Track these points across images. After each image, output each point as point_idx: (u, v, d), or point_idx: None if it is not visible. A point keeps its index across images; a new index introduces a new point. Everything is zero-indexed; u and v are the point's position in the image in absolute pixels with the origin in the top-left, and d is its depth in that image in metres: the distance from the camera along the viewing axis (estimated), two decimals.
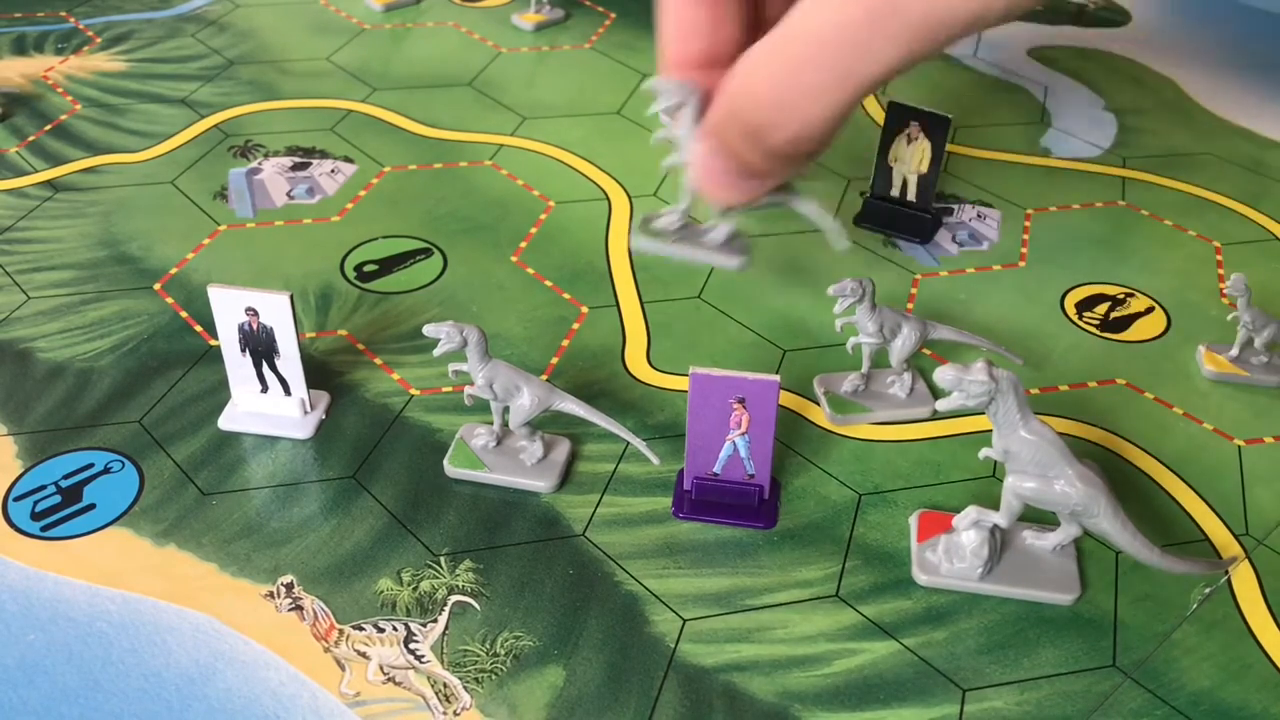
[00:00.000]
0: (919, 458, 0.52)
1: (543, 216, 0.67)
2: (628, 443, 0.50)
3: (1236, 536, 0.49)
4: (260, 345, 0.50)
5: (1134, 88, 0.86)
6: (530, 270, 0.63)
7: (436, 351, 0.48)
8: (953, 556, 0.46)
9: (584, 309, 0.60)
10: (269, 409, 0.52)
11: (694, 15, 0.40)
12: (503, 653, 0.43)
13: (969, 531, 0.45)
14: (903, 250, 0.66)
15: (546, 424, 0.51)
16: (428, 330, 0.48)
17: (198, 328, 0.58)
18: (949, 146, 0.75)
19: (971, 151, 0.76)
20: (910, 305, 0.62)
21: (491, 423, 0.50)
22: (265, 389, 0.52)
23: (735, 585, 0.46)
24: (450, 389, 0.55)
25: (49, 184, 0.69)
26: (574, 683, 0.42)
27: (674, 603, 0.45)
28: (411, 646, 0.43)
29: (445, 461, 0.50)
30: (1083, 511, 0.43)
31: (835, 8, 0.32)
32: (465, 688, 0.42)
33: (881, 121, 0.66)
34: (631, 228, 0.46)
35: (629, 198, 0.69)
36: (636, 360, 0.57)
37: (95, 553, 0.46)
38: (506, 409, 0.49)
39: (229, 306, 0.50)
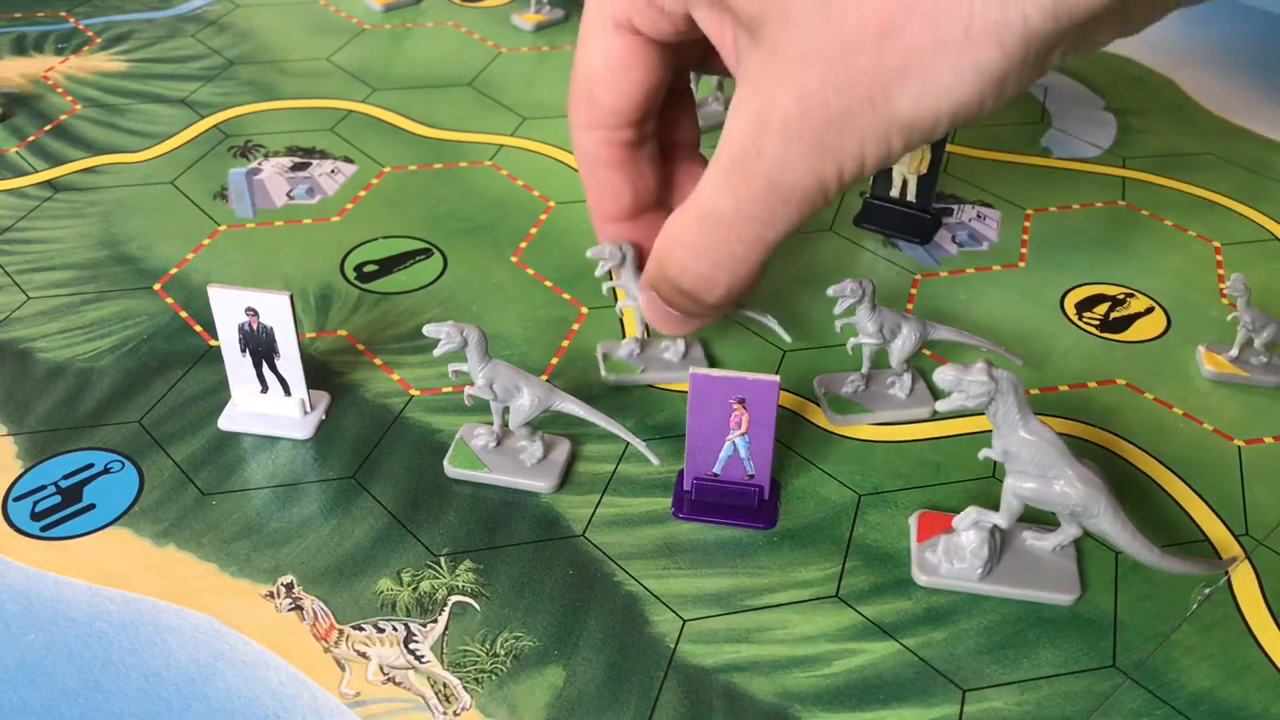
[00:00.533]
0: (919, 458, 0.52)
1: (543, 217, 0.67)
2: (628, 443, 0.50)
3: (1236, 537, 0.49)
4: (260, 345, 0.50)
5: (1134, 88, 0.86)
6: (530, 270, 0.63)
7: (436, 352, 0.48)
8: (952, 557, 0.46)
9: (584, 309, 0.60)
10: (269, 409, 0.52)
11: (612, 178, 0.46)
12: (503, 653, 0.43)
13: (969, 532, 0.45)
14: (903, 250, 0.66)
15: (546, 424, 0.51)
16: (428, 330, 0.48)
17: (198, 328, 0.58)
18: (949, 146, 0.75)
19: (971, 151, 0.76)
20: (910, 305, 0.62)
21: (491, 423, 0.50)
22: (265, 389, 0.52)
23: (735, 585, 0.46)
24: (450, 389, 0.55)
25: (49, 184, 0.69)
26: (574, 683, 0.42)
27: (674, 603, 0.45)
28: (411, 647, 0.43)
29: (445, 462, 0.50)
30: (1082, 512, 0.43)
31: (738, 188, 0.36)
32: (465, 688, 0.42)
33: None
34: (600, 363, 0.56)
35: None
36: None
37: (95, 553, 0.46)
38: (506, 409, 0.49)
39: (229, 306, 0.50)
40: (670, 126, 0.48)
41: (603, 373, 0.55)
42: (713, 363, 0.57)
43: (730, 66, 0.38)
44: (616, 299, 0.58)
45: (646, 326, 0.57)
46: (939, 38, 0.30)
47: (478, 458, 0.50)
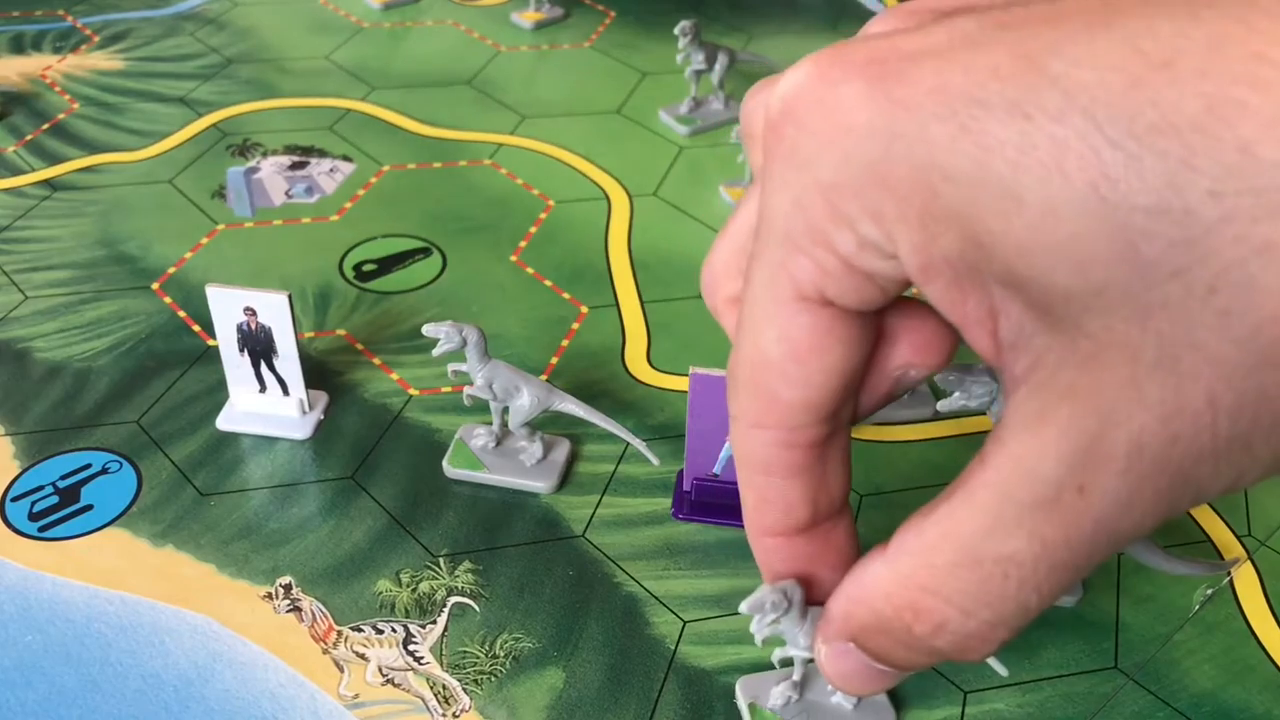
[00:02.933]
0: (920, 458, 0.52)
1: (542, 216, 0.67)
2: (627, 443, 0.50)
3: (1239, 537, 0.49)
4: (259, 345, 0.50)
5: None
6: (530, 270, 0.63)
7: (436, 351, 0.48)
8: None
9: (584, 309, 0.60)
10: (267, 409, 0.52)
11: (788, 489, 0.32)
12: (502, 654, 0.43)
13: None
14: None
15: (546, 424, 0.51)
16: (427, 330, 0.48)
17: (196, 327, 0.57)
18: None
19: None
20: None
21: (491, 423, 0.50)
22: (264, 389, 0.51)
23: (735, 586, 0.46)
24: (449, 389, 0.54)
25: (47, 183, 0.68)
26: (574, 684, 0.42)
27: (674, 604, 0.45)
28: (410, 648, 0.43)
29: (444, 462, 0.50)
30: None
31: (1045, 532, 0.25)
32: (464, 689, 0.41)
33: None
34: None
35: (629, 197, 0.69)
36: (636, 360, 0.57)
37: (93, 553, 0.46)
38: (506, 409, 0.49)
39: (227, 306, 0.49)
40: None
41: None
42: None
43: (984, 351, 0.26)
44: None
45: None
46: None
47: (477, 458, 0.50)
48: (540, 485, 0.49)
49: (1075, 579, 0.25)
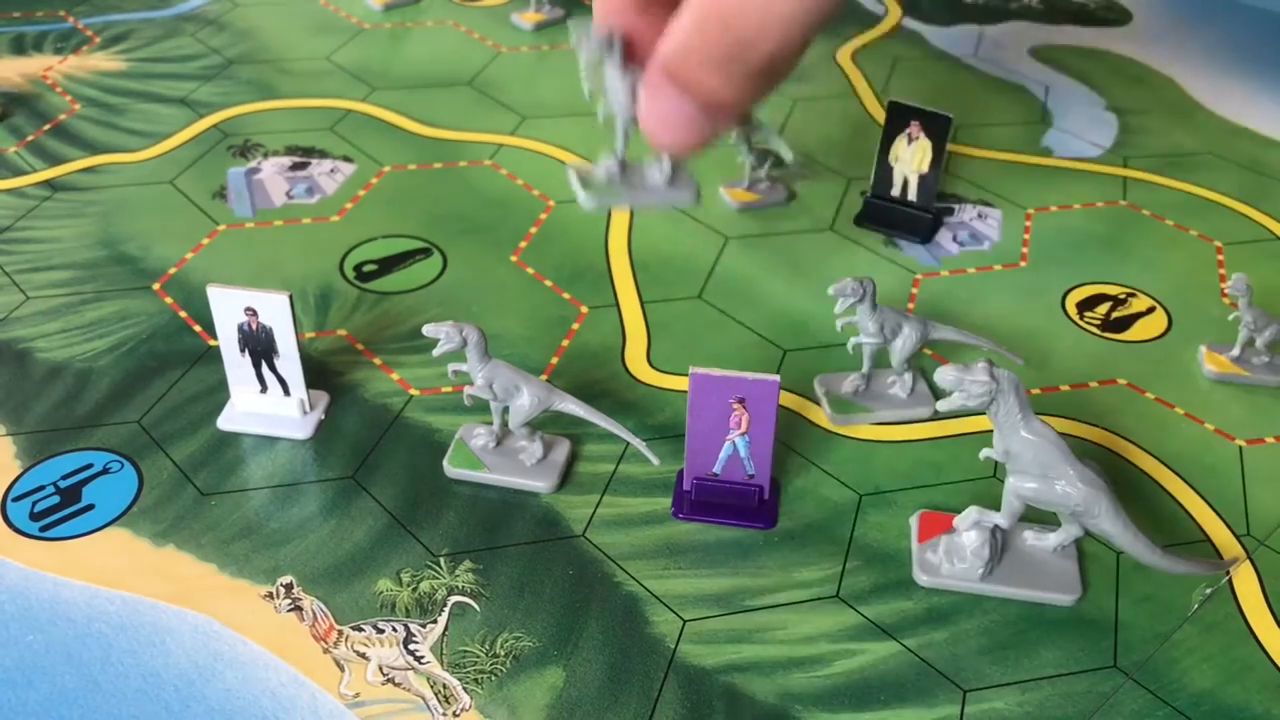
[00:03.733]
0: (919, 458, 0.52)
1: (543, 216, 0.67)
2: (628, 443, 0.50)
3: (1238, 537, 0.49)
4: (259, 345, 0.50)
5: (1134, 88, 0.86)
6: (530, 270, 0.63)
7: (436, 351, 0.48)
8: (953, 557, 0.46)
9: (584, 309, 0.60)
10: (268, 409, 0.52)
11: None
12: (502, 653, 0.43)
13: (970, 532, 0.45)
14: (903, 250, 0.66)
15: (546, 424, 0.51)
16: (427, 330, 0.48)
17: (197, 328, 0.58)
18: (950, 146, 0.75)
19: (972, 151, 0.76)
20: (911, 305, 0.61)
21: (491, 423, 0.50)
22: (264, 389, 0.52)
23: (735, 586, 0.46)
24: (450, 389, 0.54)
25: (48, 184, 0.69)
26: (574, 684, 0.42)
27: (674, 603, 0.45)
28: (411, 647, 0.43)
29: (445, 462, 0.50)
30: (1084, 512, 0.43)
31: None
32: (465, 688, 0.41)
33: (882, 121, 0.66)
34: (573, 186, 0.46)
35: None
36: (636, 360, 0.57)
37: (94, 553, 0.46)
38: (506, 409, 0.49)
39: (228, 306, 0.50)
40: None
41: (580, 196, 0.44)
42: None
43: None
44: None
45: (626, 141, 0.45)
46: None
47: (477, 458, 0.50)
48: (540, 485, 0.49)
49: None
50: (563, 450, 0.50)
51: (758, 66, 0.34)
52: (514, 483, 0.49)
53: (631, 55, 0.42)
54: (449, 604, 0.44)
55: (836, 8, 0.32)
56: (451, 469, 0.50)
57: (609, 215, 0.68)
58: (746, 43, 0.34)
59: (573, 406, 0.49)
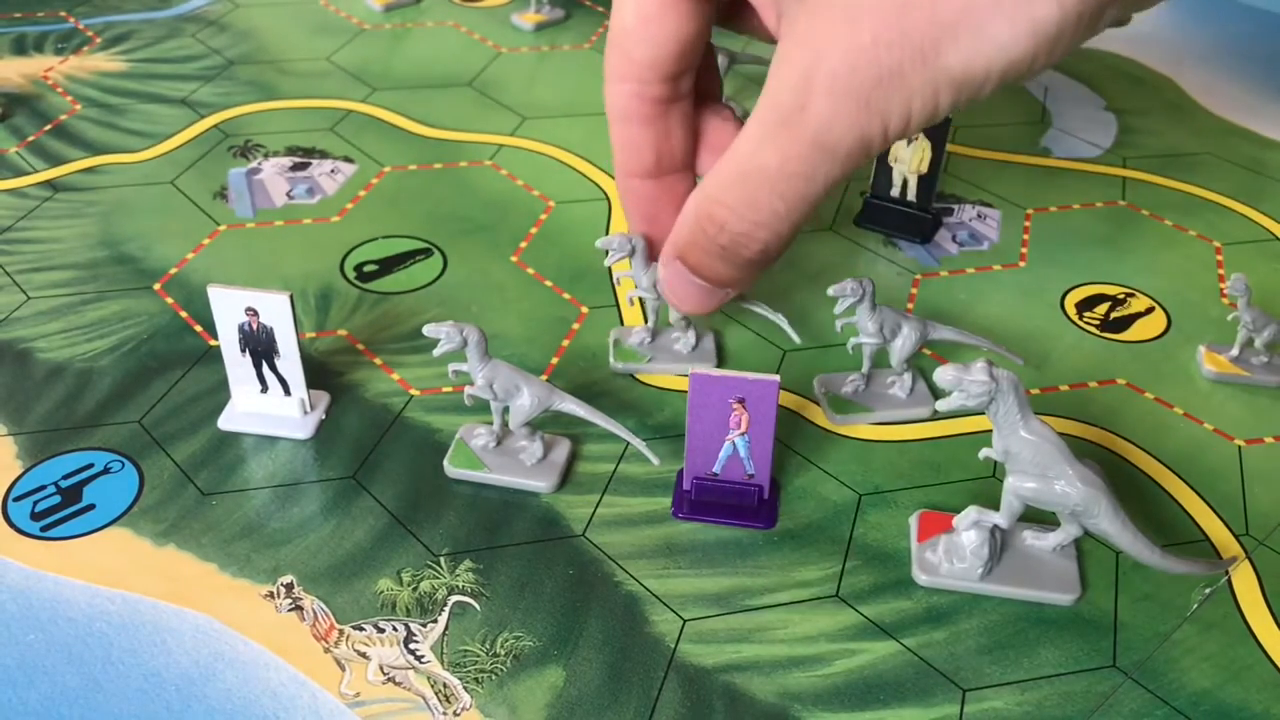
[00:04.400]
0: (919, 458, 0.52)
1: (543, 216, 0.67)
2: (628, 443, 0.50)
3: (1237, 537, 0.49)
4: (260, 345, 0.50)
5: (1134, 88, 0.86)
6: (530, 270, 0.63)
7: (436, 351, 0.48)
8: (953, 556, 0.46)
9: (584, 309, 0.60)
10: (269, 409, 0.52)
11: (639, 135, 0.45)
12: (503, 653, 0.43)
13: (969, 531, 0.45)
14: (903, 250, 0.66)
15: (546, 424, 0.51)
16: (427, 330, 0.48)
17: (197, 328, 0.58)
18: (949, 146, 0.75)
19: (971, 151, 0.76)
20: (910, 305, 0.61)
21: (491, 423, 0.50)
22: (265, 389, 0.52)
23: (735, 585, 0.46)
24: (450, 389, 0.55)
25: (49, 184, 0.69)
26: (574, 683, 0.42)
27: (674, 603, 0.45)
28: (411, 647, 0.43)
29: (445, 462, 0.50)
30: (1083, 512, 0.43)
31: (783, 145, 0.35)
32: (465, 688, 0.42)
33: None
34: (610, 351, 0.56)
35: None
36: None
37: (95, 553, 0.46)
38: (506, 409, 0.49)
39: (229, 306, 0.50)
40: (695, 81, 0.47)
41: (611, 361, 0.55)
42: (724, 354, 0.57)
43: (768, 22, 0.38)
44: (619, 289, 0.58)
45: (656, 316, 0.57)
46: None
47: (478, 458, 0.50)
48: (540, 485, 0.49)
49: (809, 189, 0.36)
50: (563, 450, 0.51)
51: (751, 259, 0.40)
52: (514, 483, 0.49)
53: (651, 250, 0.51)
54: (449, 603, 0.44)
55: (821, 199, 0.37)
56: (452, 469, 0.50)
57: (608, 215, 0.68)
58: (739, 242, 0.39)
59: (573, 406, 0.49)
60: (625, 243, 0.51)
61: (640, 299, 0.56)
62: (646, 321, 0.57)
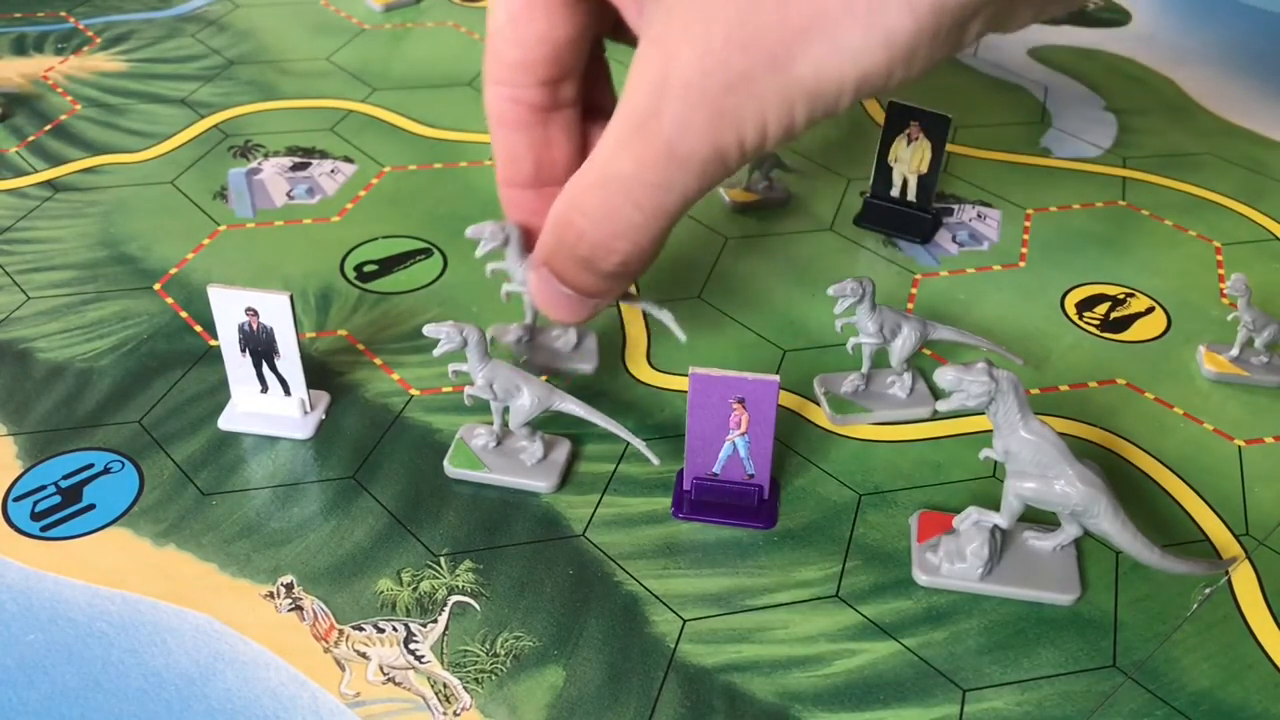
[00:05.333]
0: (919, 458, 0.52)
1: None
2: (627, 443, 0.50)
3: (1237, 537, 0.49)
4: (260, 345, 0.50)
5: (1134, 88, 0.86)
6: None
7: (436, 352, 0.48)
8: (953, 557, 0.46)
9: None
10: (269, 409, 0.52)
11: (513, 140, 0.44)
12: (503, 653, 0.43)
13: (969, 532, 0.45)
14: (903, 250, 0.66)
15: (546, 424, 0.51)
16: (427, 330, 0.48)
17: (197, 328, 0.58)
18: (949, 146, 0.75)
19: (971, 151, 0.76)
20: (910, 305, 0.61)
21: (491, 423, 0.50)
22: (265, 389, 0.52)
23: (735, 585, 0.46)
24: (450, 389, 0.55)
25: (49, 184, 0.69)
26: (574, 683, 0.42)
27: (674, 603, 0.45)
28: (411, 647, 0.43)
29: (445, 462, 0.50)
30: (1083, 512, 0.43)
31: (639, 152, 0.34)
32: (465, 688, 0.42)
33: (881, 122, 0.66)
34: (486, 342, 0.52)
35: None
36: (636, 360, 0.57)
37: (95, 553, 0.46)
38: (506, 409, 0.49)
39: (229, 306, 0.50)
40: (583, 93, 0.46)
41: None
42: (603, 352, 0.55)
43: (631, 22, 0.36)
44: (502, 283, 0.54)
45: (535, 312, 0.53)
46: None
47: (478, 458, 0.50)
48: (540, 485, 0.49)
49: (667, 200, 0.34)
50: (563, 450, 0.51)
51: (612, 270, 0.39)
52: (514, 483, 0.49)
53: (529, 242, 0.48)
54: (449, 603, 0.44)
55: (682, 213, 0.36)
56: (452, 469, 0.50)
57: None
58: (598, 254, 0.38)
59: (573, 406, 0.49)
60: (498, 232, 0.48)
61: (516, 294, 0.53)
62: (525, 318, 0.54)
